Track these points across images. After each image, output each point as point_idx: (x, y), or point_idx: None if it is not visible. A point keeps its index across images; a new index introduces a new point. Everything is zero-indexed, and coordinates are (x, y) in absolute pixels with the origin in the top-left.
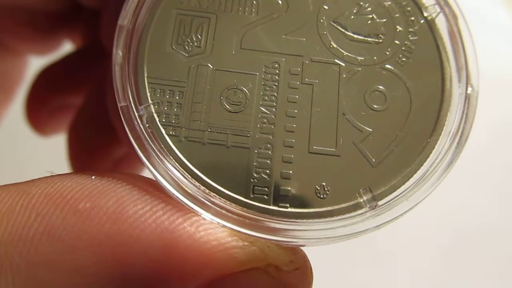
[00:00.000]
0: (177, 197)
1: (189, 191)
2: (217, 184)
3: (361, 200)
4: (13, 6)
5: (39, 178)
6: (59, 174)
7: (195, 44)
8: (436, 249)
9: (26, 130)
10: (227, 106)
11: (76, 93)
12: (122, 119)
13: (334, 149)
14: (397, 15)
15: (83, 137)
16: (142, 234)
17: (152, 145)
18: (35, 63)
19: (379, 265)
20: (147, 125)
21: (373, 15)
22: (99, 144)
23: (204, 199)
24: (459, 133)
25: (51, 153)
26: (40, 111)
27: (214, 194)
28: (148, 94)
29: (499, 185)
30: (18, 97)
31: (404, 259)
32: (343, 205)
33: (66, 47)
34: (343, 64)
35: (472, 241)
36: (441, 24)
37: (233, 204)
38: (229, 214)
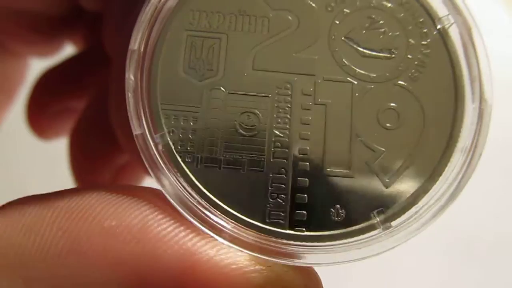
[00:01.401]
0: (195, 224)
1: (206, 217)
2: (233, 210)
3: (375, 221)
4: (14, 9)
5: (65, 190)
6: (83, 188)
7: (207, 67)
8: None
9: (26, 132)
10: (241, 131)
11: (78, 97)
12: (138, 147)
13: (348, 171)
14: (410, 27)
15: (84, 142)
16: (164, 254)
17: (169, 173)
18: (36, 65)
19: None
20: (163, 152)
21: (386, 28)
22: (101, 151)
23: (221, 225)
24: (473, 149)
25: (52, 157)
26: (41, 115)
27: (231, 220)
28: (163, 121)
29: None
30: (19, 99)
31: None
32: (358, 227)
33: (68, 50)
34: (356, 82)
35: (484, 253)
36: (454, 35)
37: (249, 230)
38: (246, 240)
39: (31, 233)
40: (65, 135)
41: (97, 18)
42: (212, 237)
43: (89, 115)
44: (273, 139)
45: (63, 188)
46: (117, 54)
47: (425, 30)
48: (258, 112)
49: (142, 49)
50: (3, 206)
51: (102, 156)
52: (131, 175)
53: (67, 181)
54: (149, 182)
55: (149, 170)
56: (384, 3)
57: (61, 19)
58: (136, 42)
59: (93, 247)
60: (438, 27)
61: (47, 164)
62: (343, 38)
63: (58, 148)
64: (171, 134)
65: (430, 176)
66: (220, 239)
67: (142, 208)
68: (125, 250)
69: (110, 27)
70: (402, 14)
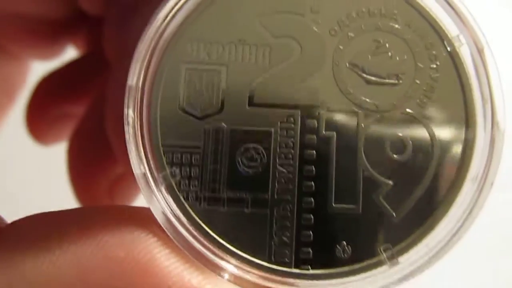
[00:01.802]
0: (199, 263)
1: (210, 258)
2: (237, 249)
3: (382, 258)
4: (15, 12)
5: (74, 212)
6: (91, 211)
7: (207, 101)
8: None
9: (26, 136)
10: (244, 168)
11: (79, 102)
12: (139, 187)
13: (354, 206)
14: (417, 50)
15: (83, 150)
16: None
17: (171, 213)
18: (37, 68)
19: None
20: (166, 193)
21: (392, 52)
22: (100, 159)
23: (225, 265)
24: (484, 178)
25: (50, 160)
26: (40, 120)
27: (235, 260)
28: (164, 160)
29: None
30: (19, 102)
31: None
32: (364, 264)
33: (70, 53)
34: (361, 112)
35: None
36: (465, 56)
37: (254, 269)
38: (250, 279)
39: (39, 258)
40: (64, 140)
41: (99, 22)
42: (217, 277)
43: (88, 122)
44: (276, 175)
45: (60, 193)
46: (115, 60)
47: (434, 52)
48: (260, 148)
49: (140, 85)
50: (13, 224)
51: (100, 164)
52: (129, 184)
53: (65, 185)
54: None
55: (152, 211)
56: (391, 24)
57: (63, 23)
58: (134, 77)
59: (100, 278)
60: (448, 48)
61: (46, 168)
62: (347, 64)
63: (57, 152)
64: (173, 173)
65: (440, 208)
66: (225, 279)
67: (149, 240)
68: (131, 280)
69: (109, 33)
70: (409, 36)
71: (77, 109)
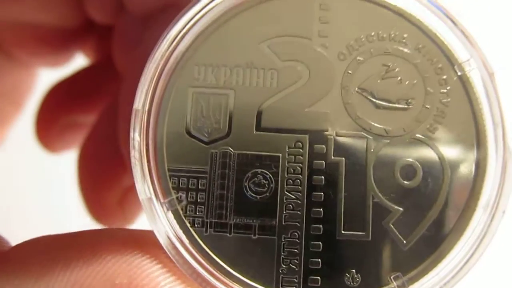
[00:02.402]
0: None
1: (216, 285)
2: (245, 277)
3: (392, 286)
4: (24, 21)
5: (78, 236)
6: (95, 234)
7: (214, 125)
8: None
9: (34, 142)
10: (252, 193)
11: (88, 111)
12: (145, 212)
13: (363, 233)
14: (427, 75)
15: (94, 160)
16: None
17: (177, 239)
18: (46, 76)
19: None
20: (171, 218)
21: (402, 76)
22: (109, 170)
23: None
24: (496, 205)
25: (60, 168)
26: (50, 128)
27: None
28: (170, 185)
29: None
30: (27, 109)
31: None
32: None
33: (79, 60)
34: (371, 137)
35: None
36: (476, 81)
37: None
38: None
39: (42, 281)
40: (72, 149)
41: (108, 31)
42: None
43: (99, 132)
44: (284, 201)
45: (70, 202)
46: (128, 72)
47: (445, 77)
48: (268, 173)
49: (146, 108)
50: (16, 248)
51: (111, 174)
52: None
53: (74, 195)
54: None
55: (157, 238)
56: (400, 48)
57: (72, 31)
58: (141, 101)
59: None
60: (459, 73)
61: (55, 176)
62: (356, 89)
63: (67, 161)
64: (179, 199)
65: (451, 236)
66: None
67: (153, 267)
68: None
69: (121, 45)
70: (419, 60)
71: (86, 117)
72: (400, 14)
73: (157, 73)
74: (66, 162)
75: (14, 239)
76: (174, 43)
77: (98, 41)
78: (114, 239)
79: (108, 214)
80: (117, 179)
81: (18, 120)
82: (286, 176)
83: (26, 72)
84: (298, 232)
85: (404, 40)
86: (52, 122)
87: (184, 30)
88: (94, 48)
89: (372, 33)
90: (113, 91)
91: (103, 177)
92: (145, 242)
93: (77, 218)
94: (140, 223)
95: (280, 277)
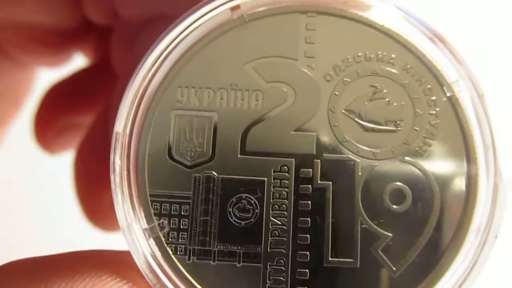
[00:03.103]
0: None
1: None
2: None
3: None
4: (23, 22)
5: (58, 259)
6: (80, 264)
7: (198, 149)
8: None
9: (32, 142)
10: (236, 219)
11: (86, 112)
12: (125, 240)
13: (352, 260)
14: (416, 96)
15: (88, 164)
16: None
17: (159, 268)
18: (44, 76)
19: None
20: (153, 245)
21: (390, 97)
22: (106, 172)
23: None
24: (487, 230)
25: (56, 167)
26: (48, 129)
27: None
28: (152, 211)
29: None
30: (25, 109)
31: None
32: None
33: (77, 61)
34: (359, 160)
35: None
36: (465, 102)
37: None
38: None
39: None
40: (70, 149)
41: (107, 32)
42: None
43: (95, 133)
44: (270, 227)
45: (66, 202)
46: (124, 73)
47: (434, 98)
48: (253, 198)
49: (127, 132)
50: (1, 268)
51: (106, 178)
52: None
53: (70, 196)
54: None
55: (138, 266)
56: (388, 69)
57: (70, 32)
58: (121, 124)
59: None
60: (448, 94)
61: (51, 175)
62: (343, 111)
63: (63, 159)
64: (161, 225)
65: (442, 262)
66: None
67: None
68: None
69: (118, 45)
70: (407, 81)
71: (84, 118)
72: (387, 34)
73: (138, 95)
74: (64, 163)
75: (13, 239)
76: (157, 63)
77: (96, 41)
78: (93, 262)
79: (104, 216)
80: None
81: (17, 120)
82: (271, 201)
83: (25, 72)
84: (284, 259)
85: (392, 61)
86: (50, 123)
87: (167, 51)
88: (92, 49)
89: (359, 54)
90: (111, 91)
91: (99, 179)
92: (125, 266)
93: (74, 219)
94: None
95: None
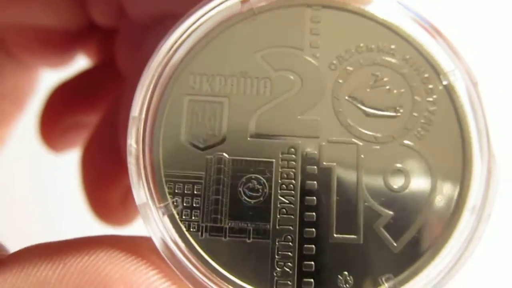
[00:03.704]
0: None
1: None
2: (240, 280)
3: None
4: (27, 23)
5: (73, 243)
6: (92, 240)
7: (209, 132)
8: None
9: (37, 142)
10: (246, 198)
11: (92, 112)
12: (141, 217)
13: (355, 236)
14: (414, 84)
15: (95, 161)
16: None
17: (173, 243)
18: (47, 77)
19: None
20: (167, 223)
21: (390, 85)
22: (112, 169)
23: None
24: (482, 209)
25: (62, 166)
26: (54, 129)
27: None
28: (166, 190)
29: None
30: (29, 109)
31: None
32: None
33: (81, 62)
34: (361, 144)
35: None
36: (460, 90)
37: None
38: None
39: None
40: (76, 148)
41: (110, 34)
42: None
43: (101, 132)
44: (278, 206)
45: (73, 201)
46: (131, 74)
47: (431, 86)
48: (262, 178)
49: (143, 116)
50: (14, 254)
51: (114, 173)
52: None
53: (77, 194)
54: None
55: (153, 241)
56: (388, 59)
57: (73, 33)
58: (137, 109)
59: None
60: (444, 82)
61: (57, 174)
62: (347, 97)
63: (70, 160)
64: (175, 203)
65: (440, 238)
66: None
67: (149, 273)
68: None
69: (125, 46)
70: (406, 70)
71: (90, 118)
72: (387, 27)
73: (153, 81)
74: (68, 162)
75: (15, 239)
76: (171, 52)
77: (100, 43)
78: (110, 245)
79: (111, 212)
80: (120, 178)
81: (20, 121)
82: (279, 181)
83: (28, 73)
84: (292, 235)
85: (391, 51)
86: (56, 122)
87: (180, 40)
88: (96, 50)
89: (361, 44)
90: (116, 91)
91: (106, 175)
92: (141, 248)
93: (79, 218)
94: (137, 227)
95: (275, 280)
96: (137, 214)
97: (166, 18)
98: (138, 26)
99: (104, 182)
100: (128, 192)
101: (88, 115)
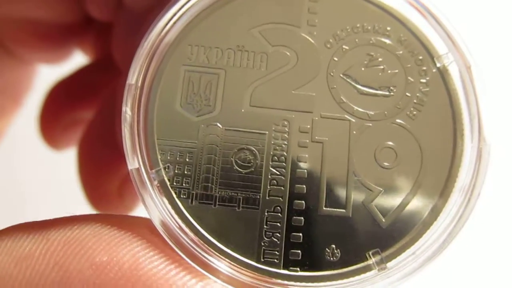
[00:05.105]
0: (188, 262)
1: (199, 256)
2: (228, 248)
3: (371, 262)
4: (24, 17)
5: (58, 220)
6: (77, 218)
7: (204, 102)
8: None
9: (33, 138)
10: (237, 168)
11: (91, 108)
12: (133, 182)
13: (344, 210)
14: (408, 65)
15: (92, 151)
16: None
17: (163, 210)
18: (45, 73)
19: None
20: (158, 188)
21: (384, 65)
22: (108, 160)
23: (215, 264)
24: (471, 189)
25: (58, 161)
26: (54, 126)
27: (225, 259)
28: (159, 157)
29: None
30: (26, 105)
31: None
32: (353, 268)
33: (78, 58)
34: (354, 120)
35: None
36: (453, 73)
37: (243, 269)
38: (240, 279)
39: (22, 264)
40: (76, 145)
41: (107, 28)
42: (205, 276)
43: (97, 124)
44: (269, 176)
45: (71, 194)
46: (126, 66)
47: (424, 68)
48: (254, 149)
49: (139, 84)
50: (1, 232)
51: (110, 164)
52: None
53: (75, 187)
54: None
55: (144, 206)
56: (383, 40)
57: (70, 28)
58: (134, 77)
59: (82, 282)
60: (438, 65)
61: (53, 169)
62: (341, 75)
63: (67, 155)
64: (166, 170)
65: (428, 216)
66: (213, 278)
67: (134, 244)
68: (115, 286)
69: (119, 39)
70: (401, 52)
71: (88, 114)
72: (384, 9)
73: (151, 50)
74: (66, 158)
75: None
76: (170, 23)
77: (96, 38)
78: (95, 221)
79: (107, 202)
80: (117, 167)
81: (17, 117)
82: (271, 152)
83: (25, 69)
84: (281, 206)
85: (387, 33)
86: (55, 119)
87: (180, 13)
88: (92, 45)
89: (358, 25)
90: (113, 86)
91: (102, 165)
92: (127, 222)
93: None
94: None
95: (262, 249)
96: (134, 204)
97: (162, 6)
98: (133, 16)
99: (101, 171)
100: (125, 181)
101: (88, 111)
